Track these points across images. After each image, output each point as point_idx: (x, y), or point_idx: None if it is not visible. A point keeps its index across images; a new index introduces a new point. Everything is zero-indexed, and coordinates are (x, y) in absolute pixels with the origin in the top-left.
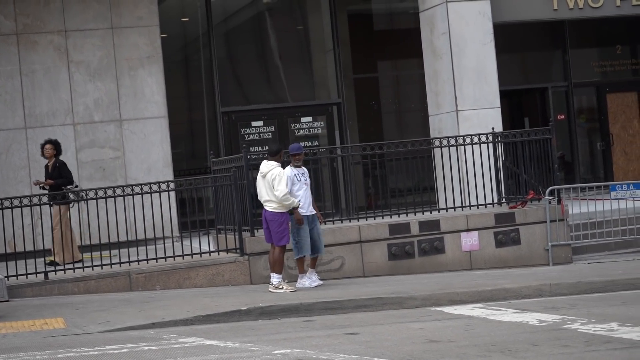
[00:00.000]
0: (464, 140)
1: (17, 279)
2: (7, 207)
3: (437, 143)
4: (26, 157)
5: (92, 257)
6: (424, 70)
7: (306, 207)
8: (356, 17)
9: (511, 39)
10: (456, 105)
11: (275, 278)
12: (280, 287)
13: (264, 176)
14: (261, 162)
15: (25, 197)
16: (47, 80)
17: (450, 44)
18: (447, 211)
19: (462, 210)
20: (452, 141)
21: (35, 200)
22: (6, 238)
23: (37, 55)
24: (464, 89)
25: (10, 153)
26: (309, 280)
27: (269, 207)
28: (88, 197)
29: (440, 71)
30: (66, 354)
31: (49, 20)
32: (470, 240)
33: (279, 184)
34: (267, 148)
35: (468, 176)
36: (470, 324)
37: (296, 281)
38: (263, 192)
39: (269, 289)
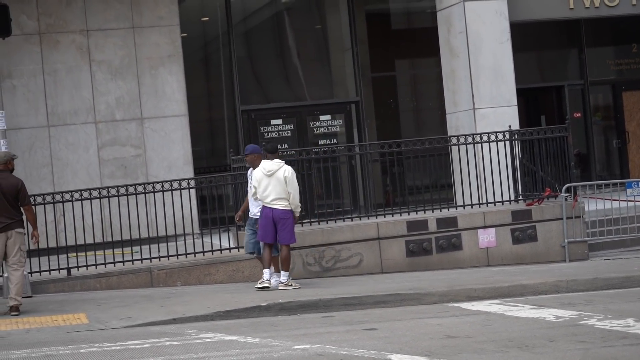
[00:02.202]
0: (481, 138)
1: (40, 275)
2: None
3: (454, 141)
4: (49, 155)
5: (113, 253)
6: (442, 68)
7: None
8: (374, 17)
9: (528, 37)
10: (473, 104)
11: (284, 276)
12: (290, 284)
13: (271, 174)
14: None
15: (48, 194)
16: (69, 79)
17: (468, 43)
18: (464, 208)
19: (479, 207)
20: (470, 139)
21: (58, 197)
22: (29, 234)
23: (60, 54)
24: (481, 88)
25: (34, 151)
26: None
27: (280, 205)
28: (110, 195)
29: (457, 70)
30: (89, 349)
31: (71, 20)
32: (487, 237)
33: (294, 185)
34: (286, 146)
35: (485, 173)
36: (487, 319)
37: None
38: (271, 191)
39: (279, 287)
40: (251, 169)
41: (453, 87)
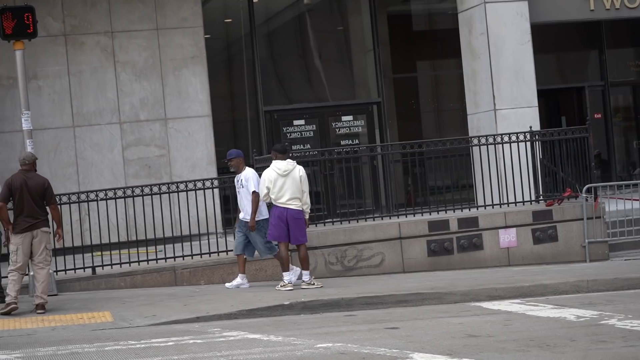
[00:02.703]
0: (502, 139)
1: (65, 273)
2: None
3: (475, 141)
4: (74, 155)
5: (138, 252)
6: (463, 69)
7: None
8: (396, 18)
9: (548, 39)
10: (494, 105)
11: (305, 275)
12: (312, 283)
13: (286, 174)
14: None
15: (73, 193)
16: (94, 80)
17: (489, 44)
18: (485, 208)
19: (500, 207)
20: (491, 139)
21: (83, 197)
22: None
23: (85, 55)
24: (502, 89)
25: (59, 151)
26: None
27: (294, 205)
28: (134, 194)
29: (478, 71)
30: (114, 346)
31: (95, 21)
32: (508, 237)
33: (307, 184)
34: (308, 146)
35: (506, 174)
36: (508, 319)
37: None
38: (286, 190)
39: (302, 286)
40: (243, 173)
41: (474, 88)
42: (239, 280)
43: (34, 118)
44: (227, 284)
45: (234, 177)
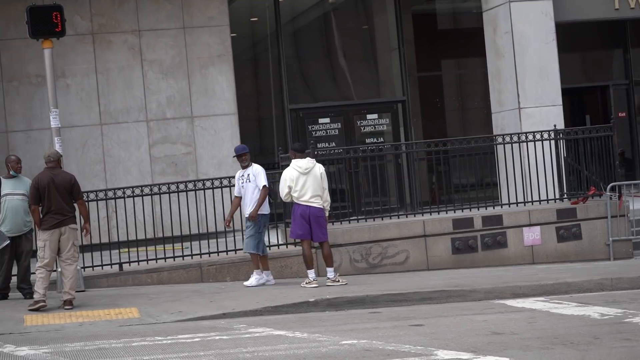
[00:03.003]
0: (526, 137)
1: (92, 270)
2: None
3: (500, 140)
4: (101, 152)
5: (164, 249)
6: (487, 68)
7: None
8: (420, 17)
9: (573, 38)
10: (519, 103)
11: (330, 272)
12: (337, 280)
13: (307, 172)
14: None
15: (100, 190)
16: (121, 78)
17: (513, 43)
18: (509, 206)
19: (525, 205)
20: (515, 138)
21: (110, 194)
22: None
23: (112, 54)
24: (527, 87)
25: (87, 148)
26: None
27: (317, 203)
28: (161, 192)
29: (503, 70)
30: (140, 342)
31: (123, 20)
32: (532, 235)
33: (326, 182)
34: (333, 144)
35: (530, 172)
36: (532, 316)
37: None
38: (308, 188)
39: (326, 283)
40: (240, 170)
41: (499, 86)
42: (263, 276)
43: (62, 116)
44: (245, 282)
45: None
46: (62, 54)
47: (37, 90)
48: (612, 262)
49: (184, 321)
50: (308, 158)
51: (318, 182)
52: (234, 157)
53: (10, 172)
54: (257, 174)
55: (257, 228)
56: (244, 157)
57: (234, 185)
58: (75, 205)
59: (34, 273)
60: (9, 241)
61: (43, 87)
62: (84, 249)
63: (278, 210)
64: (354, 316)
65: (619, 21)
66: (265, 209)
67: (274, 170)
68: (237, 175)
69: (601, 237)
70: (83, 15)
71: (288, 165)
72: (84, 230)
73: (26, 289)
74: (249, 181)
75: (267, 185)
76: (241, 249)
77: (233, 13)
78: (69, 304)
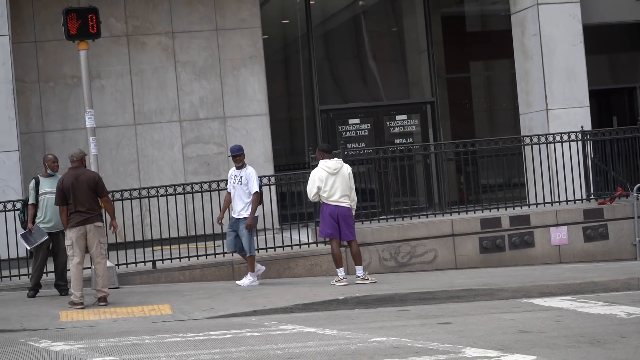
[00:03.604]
0: (554, 138)
1: (126, 267)
2: (117, 199)
3: (527, 141)
4: (135, 152)
5: (197, 247)
6: (515, 70)
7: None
8: (449, 19)
9: (600, 40)
10: (546, 104)
11: (359, 270)
12: (366, 278)
13: (336, 172)
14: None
15: (134, 189)
16: (155, 79)
17: (541, 45)
18: (536, 206)
19: (552, 205)
20: (543, 139)
21: (144, 192)
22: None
23: (146, 55)
24: (554, 89)
25: (121, 148)
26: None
27: (345, 203)
28: (193, 191)
29: (530, 71)
30: (173, 338)
31: (157, 22)
32: (559, 235)
33: (353, 181)
34: (363, 145)
35: (557, 173)
36: (559, 315)
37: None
38: (337, 188)
39: (356, 281)
40: (233, 168)
41: (526, 88)
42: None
43: (97, 116)
44: (238, 282)
45: (291, 174)
46: (97, 56)
47: (72, 90)
48: (638, 262)
49: (215, 318)
50: (336, 159)
51: (346, 182)
52: (229, 156)
53: (48, 171)
54: (250, 178)
55: (239, 231)
56: (238, 158)
57: (265, 185)
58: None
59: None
60: (47, 237)
61: (78, 87)
62: (117, 246)
63: (308, 209)
64: (382, 314)
65: None
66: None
67: (304, 170)
68: (229, 173)
69: (628, 237)
70: (118, 17)
71: (316, 165)
72: (112, 227)
73: (62, 286)
74: (241, 183)
75: (259, 191)
76: (272, 247)
77: (265, 15)
78: (103, 301)
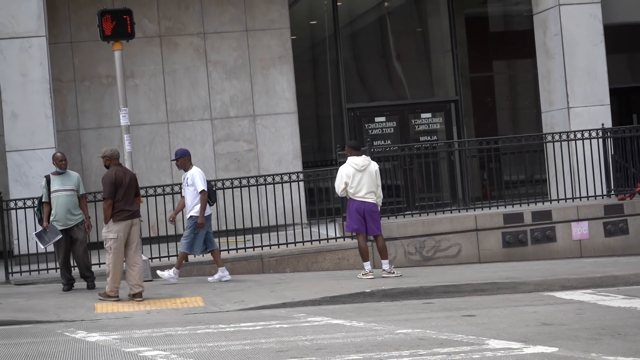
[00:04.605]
0: (575, 136)
1: (159, 260)
2: (151, 195)
3: (549, 138)
4: (168, 149)
5: (227, 241)
6: (537, 69)
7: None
8: (473, 20)
9: (621, 39)
10: (568, 103)
11: (385, 264)
12: (392, 272)
13: (363, 169)
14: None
15: (167, 185)
16: (187, 79)
17: (563, 45)
18: (558, 202)
19: (573, 201)
20: (564, 136)
21: (176, 188)
22: (150, 223)
23: (178, 55)
24: (575, 88)
25: (154, 145)
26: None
27: (371, 199)
28: (224, 187)
29: (552, 70)
30: (205, 330)
31: (189, 23)
32: (580, 230)
33: (380, 178)
34: (388, 142)
35: (579, 169)
36: (580, 308)
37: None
38: (363, 185)
39: (382, 275)
40: (189, 171)
41: (548, 87)
42: (219, 273)
43: (130, 114)
44: (209, 278)
45: (319, 171)
46: (131, 56)
47: (107, 89)
48: None
49: (246, 310)
50: (364, 156)
51: (373, 179)
52: (172, 160)
53: (57, 169)
54: (194, 178)
55: (192, 230)
56: (177, 162)
57: (294, 181)
58: None
59: (95, 263)
60: (60, 235)
61: (113, 86)
62: (151, 240)
63: (335, 205)
64: (408, 306)
65: None
66: (208, 210)
67: (331, 167)
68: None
69: None
70: (151, 18)
71: (344, 161)
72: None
73: (89, 277)
74: (187, 185)
75: (206, 190)
76: (300, 242)
77: (293, 16)
78: (138, 297)
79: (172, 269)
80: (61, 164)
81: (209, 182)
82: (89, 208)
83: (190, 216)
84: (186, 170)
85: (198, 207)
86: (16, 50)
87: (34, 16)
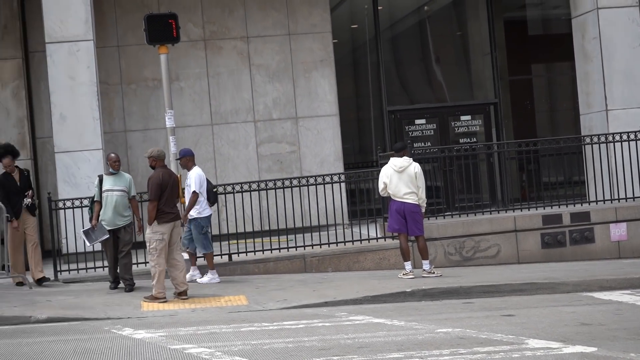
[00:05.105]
0: (613, 138)
1: (204, 259)
2: None
3: (587, 140)
4: (212, 151)
5: (270, 241)
6: (575, 72)
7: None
8: (512, 23)
9: None
10: (606, 105)
11: (425, 264)
12: (432, 272)
13: (402, 170)
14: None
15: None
16: (231, 82)
17: (601, 48)
18: (596, 203)
19: (611, 202)
20: (602, 138)
21: (220, 189)
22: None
23: (222, 59)
24: (614, 90)
25: (199, 147)
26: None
27: (411, 199)
28: (267, 187)
29: (590, 73)
30: (249, 328)
31: (232, 27)
32: (618, 231)
33: (422, 181)
34: (428, 144)
35: (617, 171)
36: (619, 309)
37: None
38: (402, 186)
39: (422, 275)
40: (188, 171)
41: (587, 89)
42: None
43: (176, 116)
44: (199, 280)
45: (360, 172)
46: (176, 59)
47: (153, 92)
48: None
49: (288, 309)
50: (405, 157)
51: (412, 181)
52: (177, 159)
53: (110, 170)
54: (190, 179)
55: (200, 230)
56: (180, 162)
57: (335, 182)
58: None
59: (135, 264)
60: (107, 235)
61: (159, 89)
62: None
63: (376, 205)
64: (448, 306)
65: None
66: (206, 212)
67: (372, 168)
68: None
69: None
70: (196, 23)
71: (386, 163)
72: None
73: (127, 280)
74: (187, 185)
75: (197, 191)
76: (342, 242)
77: (335, 20)
78: (184, 295)
79: (208, 272)
80: (114, 165)
81: (210, 183)
82: None
83: (194, 218)
84: (188, 170)
85: (197, 207)
86: (65, 54)
87: (82, 21)
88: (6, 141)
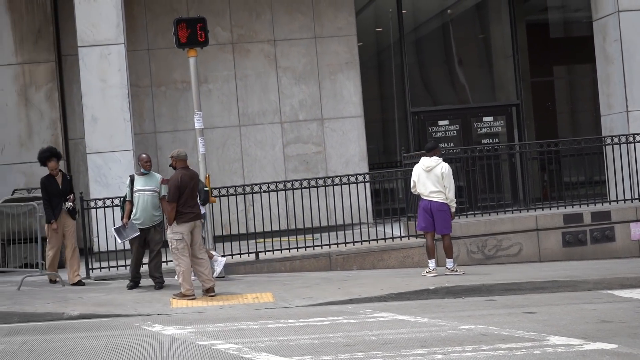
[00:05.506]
0: (634, 138)
1: (232, 258)
2: (223, 195)
3: (608, 141)
4: (239, 151)
5: (297, 239)
6: (597, 74)
7: None
8: (534, 26)
9: None
10: (627, 107)
11: (449, 262)
12: (455, 270)
13: (429, 170)
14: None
15: (239, 186)
16: (258, 84)
17: (622, 50)
18: (617, 203)
19: (632, 202)
20: (623, 139)
21: (247, 189)
22: (222, 222)
23: (250, 61)
24: (635, 91)
25: (226, 148)
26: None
27: (438, 198)
28: (293, 187)
29: (611, 75)
30: (275, 324)
31: (260, 31)
32: (639, 230)
33: (450, 180)
34: (451, 144)
35: (638, 171)
36: (639, 306)
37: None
38: (429, 185)
39: (445, 272)
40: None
41: (607, 91)
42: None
43: (204, 118)
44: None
45: (384, 173)
46: (205, 62)
47: (182, 94)
48: None
49: (314, 306)
50: (435, 157)
51: (438, 180)
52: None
53: (141, 170)
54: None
55: None
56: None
57: (360, 182)
58: None
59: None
60: (138, 233)
61: (187, 91)
62: (223, 238)
63: (400, 205)
64: (471, 303)
65: None
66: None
67: (396, 169)
68: None
69: None
70: (224, 26)
71: (410, 164)
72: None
73: (157, 278)
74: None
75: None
76: (367, 240)
77: (360, 23)
78: (211, 291)
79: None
80: (146, 165)
81: (201, 182)
82: None
83: None
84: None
85: None
86: (96, 57)
87: (113, 25)
88: (48, 144)
